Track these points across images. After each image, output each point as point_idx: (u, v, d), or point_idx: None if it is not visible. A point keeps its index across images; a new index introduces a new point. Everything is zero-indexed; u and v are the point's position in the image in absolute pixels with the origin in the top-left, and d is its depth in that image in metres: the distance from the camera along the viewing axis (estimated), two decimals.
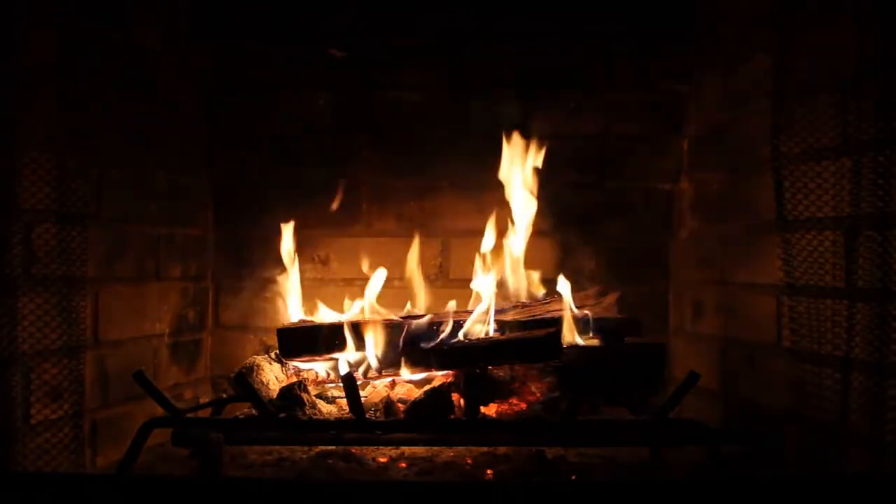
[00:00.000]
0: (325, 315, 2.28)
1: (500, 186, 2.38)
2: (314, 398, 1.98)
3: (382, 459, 2.00)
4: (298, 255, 2.42)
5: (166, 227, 2.32)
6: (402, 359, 2.02)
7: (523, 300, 2.29)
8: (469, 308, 2.19)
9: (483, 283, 2.24)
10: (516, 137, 2.37)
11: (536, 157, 2.37)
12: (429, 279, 2.48)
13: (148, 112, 2.20)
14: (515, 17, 2.46)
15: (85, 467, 1.88)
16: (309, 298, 2.39)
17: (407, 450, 2.05)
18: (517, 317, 2.12)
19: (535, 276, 2.36)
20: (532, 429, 1.88)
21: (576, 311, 2.11)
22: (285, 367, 2.13)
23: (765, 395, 1.98)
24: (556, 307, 2.16)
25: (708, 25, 2.36)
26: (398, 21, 2.50)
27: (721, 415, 2.18)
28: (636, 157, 2.55)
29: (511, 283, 2.31)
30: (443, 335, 2.03)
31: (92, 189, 1.91)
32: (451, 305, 2.14)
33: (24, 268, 1.71)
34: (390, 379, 2.10)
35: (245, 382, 1.90)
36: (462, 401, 1.92)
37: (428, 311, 2.22)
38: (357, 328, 2.07)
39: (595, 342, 2.07)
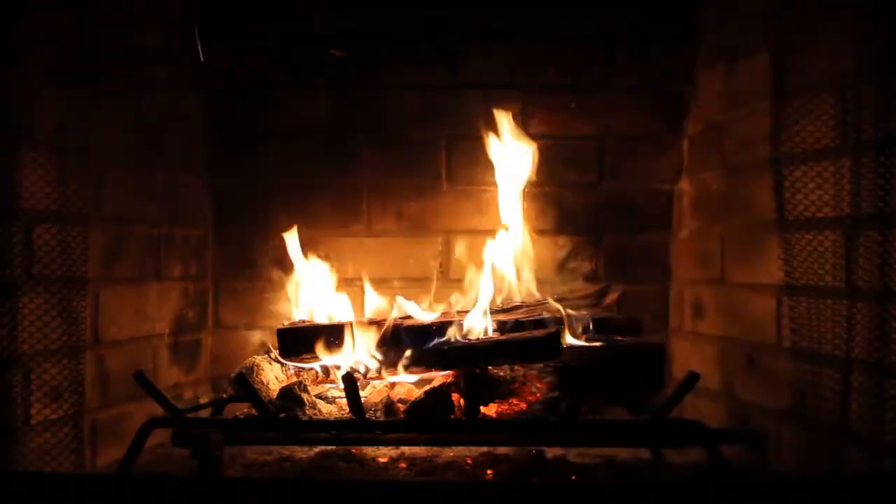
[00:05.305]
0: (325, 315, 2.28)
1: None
2: (314, 398, 1.98)
3: (382, 459, 2.00)
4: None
5: (166, 227, 2.32)
6: (403, 359, 2.01)
7: (523, 300, 2.28)
8: (469, 308, 2.19)
9: (482, 283, 2.24)
10: (511, 136, 2.37)
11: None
12: (429, 279, 2.48)
13: (148, 112, 2.20)
14: (516, 18, 2.46)
15: (85, 467, 1.88)
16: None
17: (407, 450, 2.05)
18: (517, 317, 2.12)
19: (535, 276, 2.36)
20: (532, 429, 1.88)
21: (574, 312, 2.11)
22: (285, 367, 2.13)
23: (765, 395, 1.98)
24: (557, 307, 2.16)
25: (708, 25, 2.36)
26: (398, 21, 2.50)
27: (721, 415, 2.18)
28: (636, 157, 2.55)
29: (511, 283, 2.31)
30: (443, 335, 2.02)
31: (92, 189, 1.91)
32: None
33: (24, 268, 1.71)
34: (390, 379, 2.09)
35: (245, 382, 1.90)
36: (462, 401, 1.92)
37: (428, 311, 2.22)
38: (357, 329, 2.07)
39: (595, 342, 2.07)
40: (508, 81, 2.52)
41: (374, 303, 2.39)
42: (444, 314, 2.12)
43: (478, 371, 1.93)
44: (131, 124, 2.12)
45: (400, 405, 1.95)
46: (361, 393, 1.94)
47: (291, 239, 2.37)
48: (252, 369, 2.04)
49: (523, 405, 1.97)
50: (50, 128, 1.79)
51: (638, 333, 2.11)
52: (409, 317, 2.12)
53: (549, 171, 2.45)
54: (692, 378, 1.83)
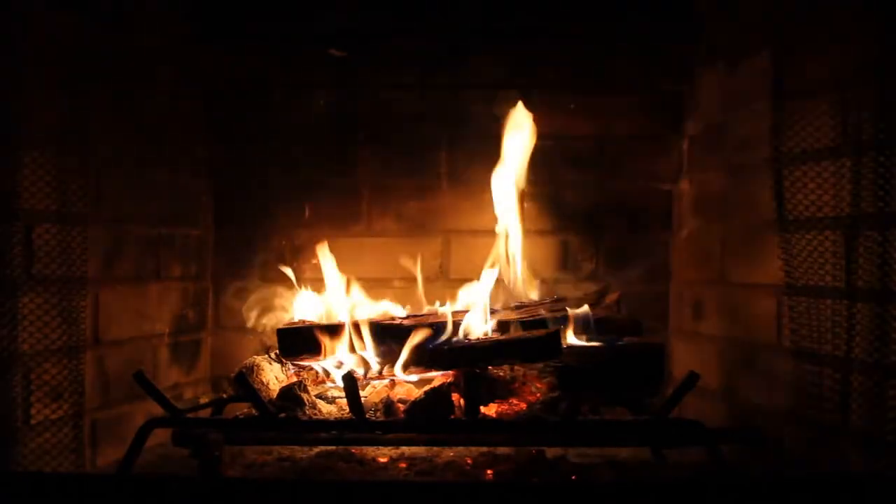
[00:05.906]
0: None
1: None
2: (314, 398, 1.98)
3: (382, 459, 2.00)
4: (298, 256, 2.42)
5: (166, 227, 2.32)
6: (402, 359, 2.01)
7: (523, 300, 2.28)
8: (468, 308, 2.19)
9: (482, 283, 2.24)
10: (510, 139, 2.36)
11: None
12: (429, 279, 2.48)
13: (148, 112, 2.20)
14: (515, 17, 2.46)
15: (85, 467, 1.88)
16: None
17: (407, 450, 2.05)
18: (517, 317, 2.12)
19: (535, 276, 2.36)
20: (532, 429, 1.87)
21: (574, 312, 2.11)
22: (285, 367, 2.13)
23: (765, 395, 1.98)
24: (557, 307, 2.16)
25: (708, 25, 2.36)
26: (397, 21, 2.50)
27: (721, 415, 2.18)
28: (636, 157, 2.55)
29: (511, 283, 2.31)
30: (443, 335, 2.02)
31: (92, 189, 1.91)
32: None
33: (24, 268, 1.71)
34: (390, 379, 2.09)
35: (245, 382, 1.90)
36: (462, 401, 1.92)
37: (428, 311, 2.22)
38: (357, 328, 2.07)
39: (595, 342, 2.07)
40: (508, 81, 2.52)
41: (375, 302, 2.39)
42: (444, 314, 2.12)
43: (478, 371, 1.93)
44: (131, 124, 2.12)
45: (400, 405, 1.95)
46: (361, 393, 1.94)
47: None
48: (252, 369, 2.04)
49: (523, 405, 1.97)
50: (50, 128, 1.78)
51: (638, 333, 2.11)
52: (409, 317, 2.12)
53: (549, 171, 2.45)
54: (692, 378, 1.83)
